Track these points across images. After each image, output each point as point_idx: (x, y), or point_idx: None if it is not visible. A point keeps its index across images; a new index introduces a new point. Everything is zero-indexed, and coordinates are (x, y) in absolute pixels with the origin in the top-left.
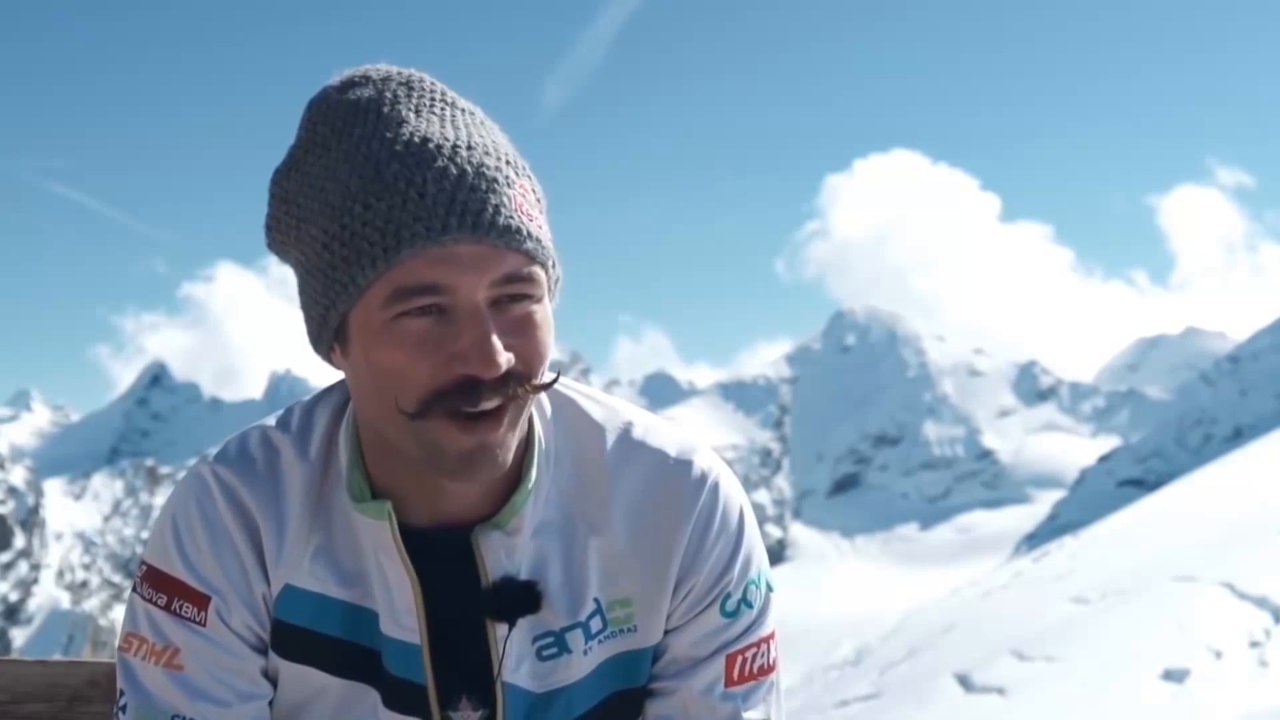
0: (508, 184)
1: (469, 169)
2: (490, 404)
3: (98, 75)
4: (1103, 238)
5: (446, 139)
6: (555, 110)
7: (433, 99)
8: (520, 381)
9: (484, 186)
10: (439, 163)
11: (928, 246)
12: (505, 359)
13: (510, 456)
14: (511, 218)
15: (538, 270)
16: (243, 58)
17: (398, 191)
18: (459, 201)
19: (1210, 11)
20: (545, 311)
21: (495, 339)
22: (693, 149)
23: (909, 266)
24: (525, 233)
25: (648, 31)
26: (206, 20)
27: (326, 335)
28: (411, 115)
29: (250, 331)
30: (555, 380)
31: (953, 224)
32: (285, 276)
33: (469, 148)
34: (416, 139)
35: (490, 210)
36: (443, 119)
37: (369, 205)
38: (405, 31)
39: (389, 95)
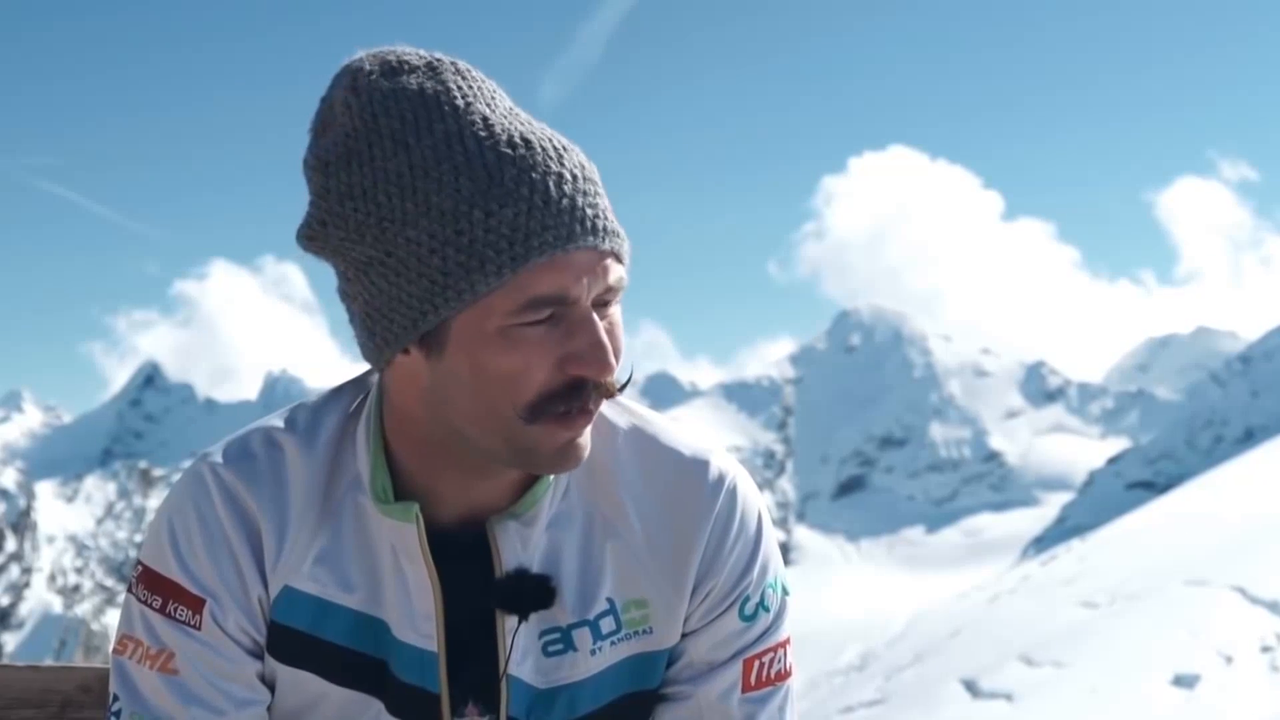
0: (603, 186)
1: (579, 174)
2: (594, 403)
3: (89, 72)
4: (1108, 236)
5: (545, 139)
6: (552, 107)
7: (493, 92)
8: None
9: (592, 190)
10: (553, 167)
11: (927, 245)
12: (614, 360)
13: (589, 450)
14: (615, 221)
15: (625, 274)
16: (235, 55)
17: (521, 198)
18: (579, 208)
19: (1214, 7)
20: (620, 311)
21: (608, 342)
22: (690, 147)
23: (907, 265)
24: (623, 235)
25: (645, 29)
26: (199, 17)
27: (409, 337)
28: (488, 110)
29: (245, 331)
30: (629, 382)
31: (954, 222)
32: (281, 275)
33: (566, 148)
34: (518, 139)
35: (602, 215)
36: (515, 115)
37: (491, 212)
38: (400, 26)
39: (454, 86)
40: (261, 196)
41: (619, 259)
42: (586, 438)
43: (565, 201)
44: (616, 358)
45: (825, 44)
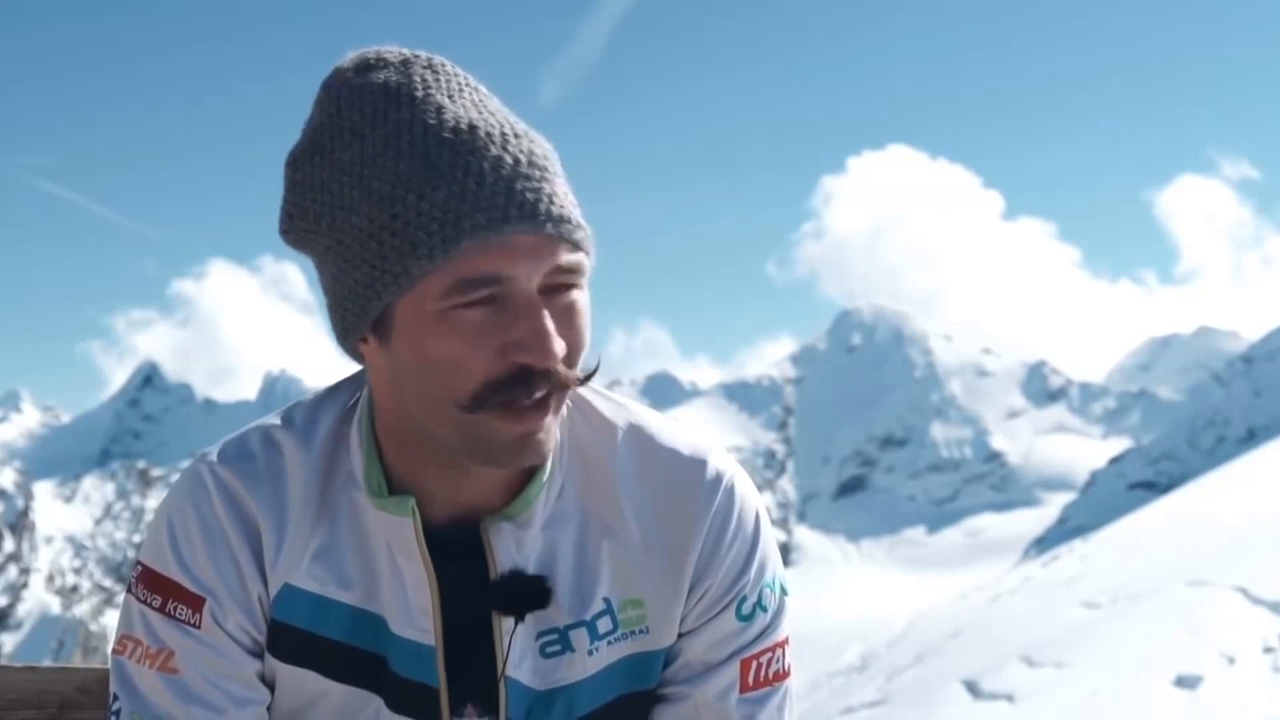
0: (555, 172)
1: (522, 157)
2: (541, 392)
3: (87, 71)
4: (1109, 235)
5: (493, 125)
6: (552, 106)
7: (461, 84)
8: (565, 369)
9: (537, 175)
10: (493, 150)
11: (927, 245)
12: (560, 347)
13: (553, 444)
14: (563, 207)
15: (584, 259)
16: (234, 53)
17: (455, 180)
18: (517, 190)
19: (1214, 6)
20: (586, 299)
21: (552, 328)
22: (689, 147)
23: (907, 265)
24: (575, 221)
25: (645, 29)
26: (196, 15)
27: (362, 325)
28: (446, 100)
29: (244, 331)
30: (595, 372)
31: (954, 221)
32: (281, 274)
33: (516, 135)
34: (464, 125)
35: (545, 199)
36: (477, 105)
37: (423, 195)
38: (399, 25)
39: (418, 79)
40: (260, 196)
41: (576, 245)
42: (548, 432)
43: (501, 185)
44: (577, 347)
45: (825, 44)
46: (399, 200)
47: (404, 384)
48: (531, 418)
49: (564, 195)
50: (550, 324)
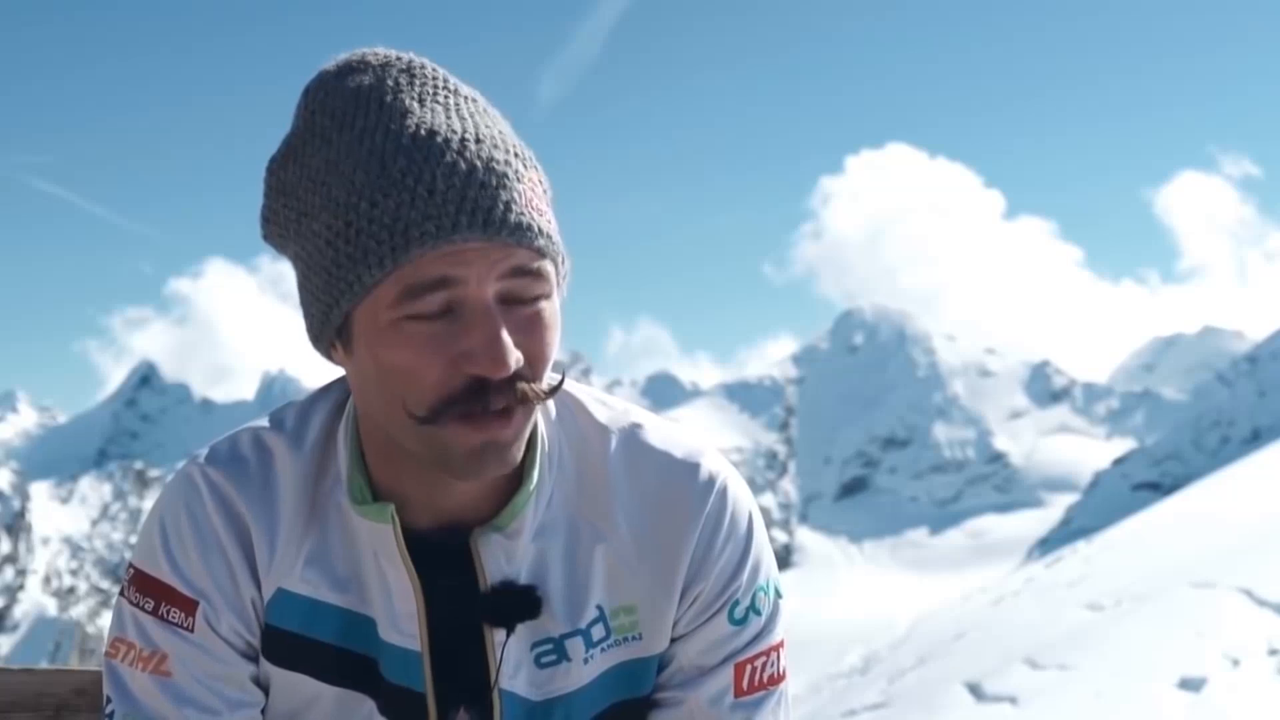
0: (517, 178)
1: (478, 164)
2: (499, 405)
3: (84, 70)
4: (1111, 234)
5: (454, 132)
6: (550, 106)
7: (436, 87)
8: (527, 381)
9: (494, 182)
10: (448, 158)
11: (927, 244)
12: (515, 359)
13: (519, 454)
14: (522, 215)
15: (547, 265)
16: (233, 51)
17: (406, 188)
18: (469, 199)
19: (1217, 5)
20: (554, 309)
21: (506, 338)
22: (688, 146)
23: (907, 265)
24: (536, 229)
25: (643, 28)
26: (195, 13)
27: (328, 332)
28: (415, 105)
29: (242, 330)
30: (561, 384)
31: (954, 221)
32: (279, 274)
33: (477, 141)
34: (423, 132)
35: (501, 208)
36: (447, 109)
37: (375, 203)
38: (398, 24)
39: (390, 83)
40: (258, 195)
41: (539, 253)
42: (514, 441)
43: (453, 193)
44: (539, 358)
45: (823, 43)
46: (353, 208)
47: (368, 393)
48: (493, 427)
49: (525, 203)
50: (505, 334)
